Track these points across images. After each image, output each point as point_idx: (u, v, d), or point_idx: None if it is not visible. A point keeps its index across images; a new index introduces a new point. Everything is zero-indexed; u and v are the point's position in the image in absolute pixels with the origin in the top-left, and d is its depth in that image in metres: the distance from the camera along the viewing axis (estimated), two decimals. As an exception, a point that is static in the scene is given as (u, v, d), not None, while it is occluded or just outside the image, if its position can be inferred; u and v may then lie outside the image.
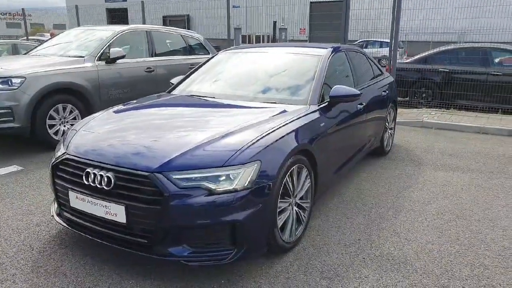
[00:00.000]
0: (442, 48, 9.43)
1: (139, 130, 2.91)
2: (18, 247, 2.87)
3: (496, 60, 8.82)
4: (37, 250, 2.83)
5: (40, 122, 4.97)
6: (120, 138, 2.76)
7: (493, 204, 3.82)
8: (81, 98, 5.39)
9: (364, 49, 9.20)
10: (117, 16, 27.83)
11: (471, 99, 8.53)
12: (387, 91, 5.14)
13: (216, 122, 3.02)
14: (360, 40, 20.87)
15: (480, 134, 6.84)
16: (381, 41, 20.23)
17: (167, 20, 31.34)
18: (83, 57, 5.57)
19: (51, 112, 5.07)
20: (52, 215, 2.89)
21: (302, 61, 3.96)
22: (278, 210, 2.64)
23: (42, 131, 5.02)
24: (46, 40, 6.87)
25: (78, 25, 12.27)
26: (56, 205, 2.90)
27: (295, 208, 2.89)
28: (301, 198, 2.95)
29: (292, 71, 3.90)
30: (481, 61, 8.75)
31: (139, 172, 2.36)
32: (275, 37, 30.06)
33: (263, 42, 29.07)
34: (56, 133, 5.18)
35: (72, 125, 5.29)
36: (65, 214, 2.75)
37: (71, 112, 5.32)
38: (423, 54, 9.50)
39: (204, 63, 4.41)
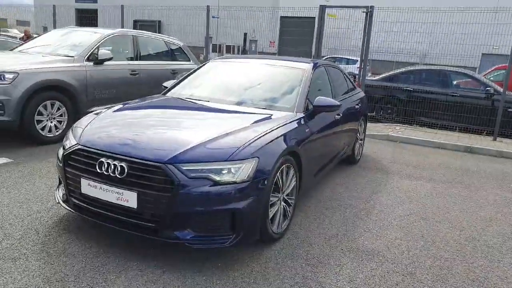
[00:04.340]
0: (407, 69, 10.14)
1: (147, 126, 3.18)
2: (24, 231, 3.04)
3: (454, 82, 9.63)
4: (43, 234, 3.02)
5: (29, 117, 5.07)
6: (131, 132, 3.01)
7: (451, 209, 4.33)
8: (69, 96, 5.53)
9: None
10: (86, 18, 27.38)
11: (431, 116, 9.24)
12: (359, 105, 5.63)
13: (216, 122, 3.34)
14: (328, 56, 21.73)
15: (439, 149, 7.48)
16: (347, 58, 21.13)
17: (138, 25, 31.26)
18: (72, 57, 5.72)
19: (40, 108, 5.18)
20: (58, 202, 3.09)
21: (288, 73, 4.34)
22: (270, 203, 2.98)
23: (31, 125, 5.12)
24: (22, 38, 6.93)
25: (54, 24, 12.17)
26: (62, 192, 3.11)
27: (283, 203, 3.23)
28: (288, 195, 3.30)
29: (280, 82, 4.28)
30: (441, 82, 9.52)
31: (152, 163, 2.63)
32: (245, 48, 30.70)
33: (233, 52, 29.59)
34: (43, 128, 5.28)
35: (59, 122, 5.45)
36: (73, 200, 2.95)
37: (58, 109, 5.44)
38: (389, 73, 10.18)
39: (196, 70, 4.70)
